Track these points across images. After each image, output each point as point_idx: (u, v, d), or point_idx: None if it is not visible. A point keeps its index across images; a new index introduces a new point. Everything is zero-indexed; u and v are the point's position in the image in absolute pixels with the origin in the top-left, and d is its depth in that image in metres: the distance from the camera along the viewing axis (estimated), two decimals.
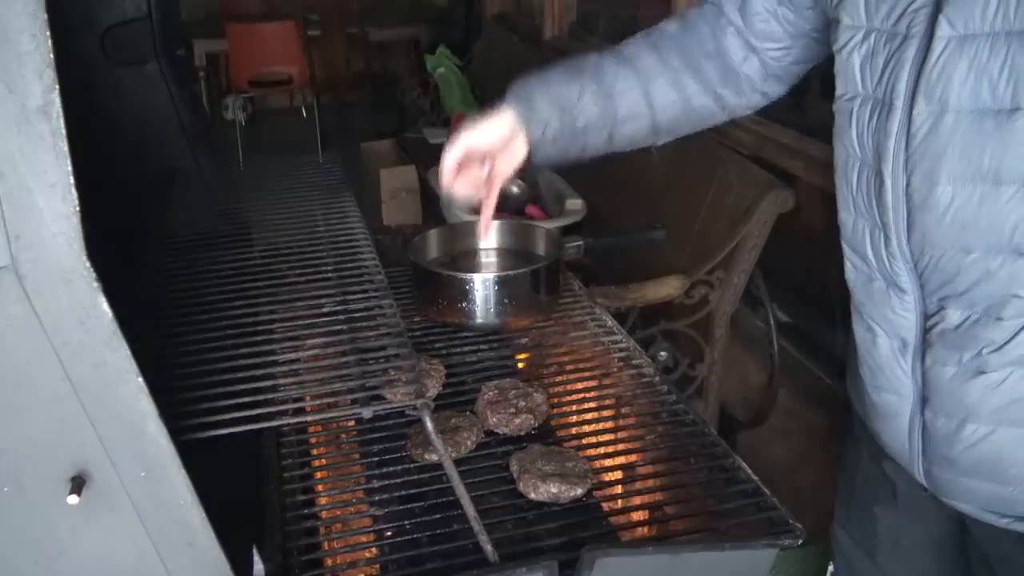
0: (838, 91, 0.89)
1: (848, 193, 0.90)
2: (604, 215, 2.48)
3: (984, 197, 0.75)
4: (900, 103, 0.79)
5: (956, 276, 0.81)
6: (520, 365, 1.44)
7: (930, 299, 0.85)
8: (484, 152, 1.13)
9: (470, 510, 0.95)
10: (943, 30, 0.74)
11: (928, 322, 0.86)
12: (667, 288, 1.93)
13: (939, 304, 0.84)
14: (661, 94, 1.11)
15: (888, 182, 0.82)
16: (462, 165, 1.15)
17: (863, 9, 0.83)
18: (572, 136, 1.13)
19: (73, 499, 0.74)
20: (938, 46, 0.75)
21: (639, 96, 1.11)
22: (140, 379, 0.71)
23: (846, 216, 0.92)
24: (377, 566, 1.03)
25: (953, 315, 0.83)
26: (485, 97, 3.84)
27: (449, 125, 3.57)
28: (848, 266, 0.95)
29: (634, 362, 1.38)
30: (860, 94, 0.85)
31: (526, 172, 2.83)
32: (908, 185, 0.81)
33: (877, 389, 0.96)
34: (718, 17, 1.09)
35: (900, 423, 0.94)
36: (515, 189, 2.59)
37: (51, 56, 0.62)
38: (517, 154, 1.14)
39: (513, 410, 1.22)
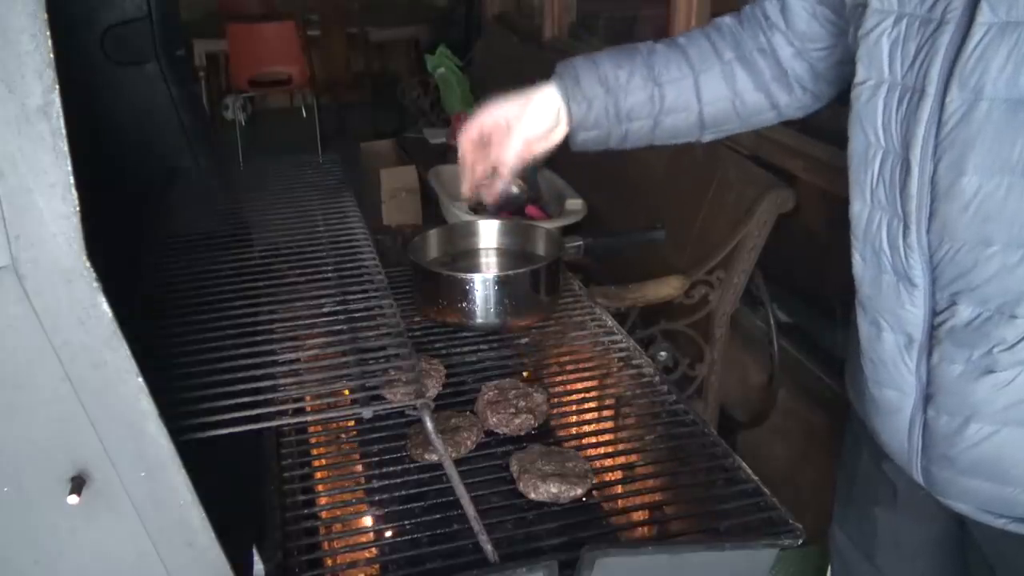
0: (859, 77, 0.87)
1: (867, 183, 0.88)
2: (604, 215, 2.48)
3: (1011, 189, 0.74)
4: (932, 90, 0.77)
5: (972, 270, 0.79)
6: (520, 365, 1.44)
7: (941, 294, 0.84)
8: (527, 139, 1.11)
9: (470, 510, 0.95)
10: (984, 16, 0.72)
11: (937, 318, 0.85)
12: (667, 288, 1.93)
13: (951, 299, 0.83)
14: (711, 86, 1.09)
15: (915, 170, 0.80)
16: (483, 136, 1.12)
17: None
18: (616, 120, 1.10)
19: (73, 499, 0.74)
20: (977, 32, 0.73)
21: (689, 86, 1.09)
22: (140, 379, 0.71)
23: (860, 207, 0.90)
24: (377, 566, 1.03)
25: (964, 311, 0.81)
26: (485, 97, 3.84)
27: (449, 125, 3.57)
28: (857, 259, 0.93)
29: (634, 362, 1.38)
30: (887, 80, 0.83)
31: (526, 172, 2.83)
32: (935, 173, 0.79)
33: (878, 385, 0.95)
34: (765, 17, 1.07)
35: (900, 420, 0.93)
36: (515, 189, 2.58)
37: (51, 56, 0.62)
38: (554, 138, 1.12)
39: (513, 410, 1.22)
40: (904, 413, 0.92)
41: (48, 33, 0.61)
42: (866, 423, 1.02)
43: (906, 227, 0.84)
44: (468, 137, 1.14)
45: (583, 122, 1.10)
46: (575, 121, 1.10)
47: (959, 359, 0.84)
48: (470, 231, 1.63)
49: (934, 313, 0.85)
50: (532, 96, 1.11)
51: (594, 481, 1.11)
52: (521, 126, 1.10)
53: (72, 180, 0.64)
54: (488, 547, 0.95)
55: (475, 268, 1.57)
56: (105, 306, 0.68)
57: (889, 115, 0.83)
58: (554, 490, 1.07)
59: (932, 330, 0.86)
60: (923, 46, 0.79)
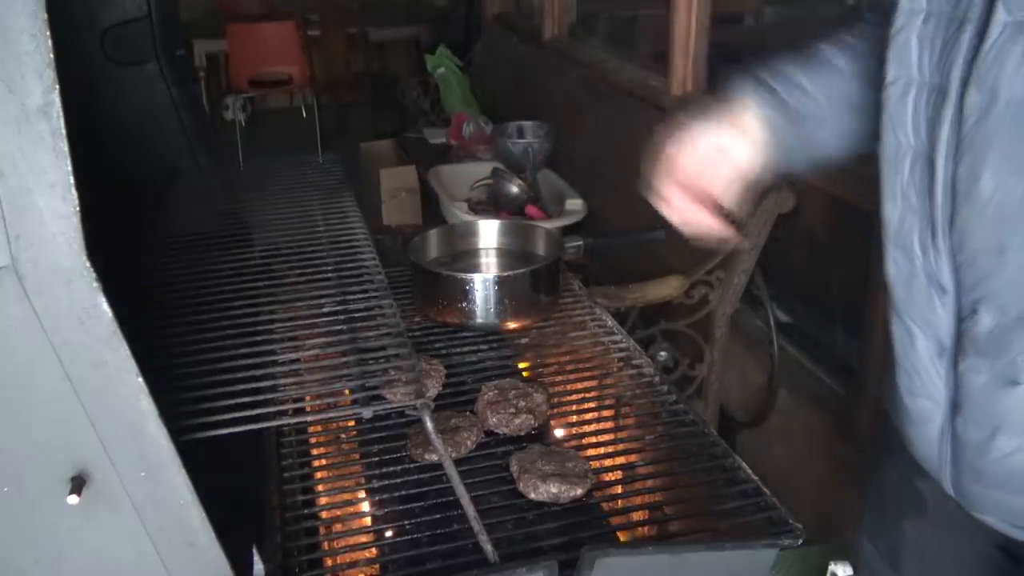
0: (889, 77, 0.85)
1: (898, 184, 0.86)
2: (604, 215, 2.48)
3: None
4: (953, 89, 0.76)
5: (990, 275, 0.77)
6: (520, 365, 1.44)
7: (965, 299, 0.81)
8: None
9: (470, 510, 0.95)
10: (1000, 15, 0.71)
11: (962, 326, 0.82)
12: (667, 288, 1.93)
13: (973, 306, 0.80)
14: None
15: (939, 172, 0.79)
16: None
17: None
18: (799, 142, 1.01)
19: (73, 499, 0.74)
20: (994, 31, 0.72)
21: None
22: (140, 379, 0.71)
23: (891, 209, 0.87)
24: (377, 566, 1.03)
25: (985, 318, 0.79)
26: (485, 97, 3.85)
27: (449, 125, 3.57)
28: (890, 262, 0.90)
29: (634, 362, 1.38)
30: (915, 80, 0.81)
31: (526, 172, 2.82)
32: (955, 175, 0.78)
33: (912, 394, 0.92)
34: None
35: (931, 430, 0.90)
36: (515, 189, 2.59)
37: (51, 56, 0.62)
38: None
39: (513, 410, 1.22)
40: (935, 423, 0.89)
41: (48, 33, 0.61)
42: (900, 432, 0.99)
43: (934, 230, 0.82)
44: (675, 180, 1.01)
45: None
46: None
47: (983, 368, 0.81)
48: (470, 231, 1.63)
49: (960, 319, 0.83)
50: (737, 116, 1.00)
51: (594, 481, 1.11)
52: (736, 154, 0.98)
53: (72, 180, 0.64)
54: (488, 547, 0.95)
55: (475, 268, 1.57)
56: (105, 306, 0.68)
57: (918, 116, 0.82)
58: (554, 490, 1.07)
59: (958, 337, 0.83)
60: (947, 44, 0.77)
